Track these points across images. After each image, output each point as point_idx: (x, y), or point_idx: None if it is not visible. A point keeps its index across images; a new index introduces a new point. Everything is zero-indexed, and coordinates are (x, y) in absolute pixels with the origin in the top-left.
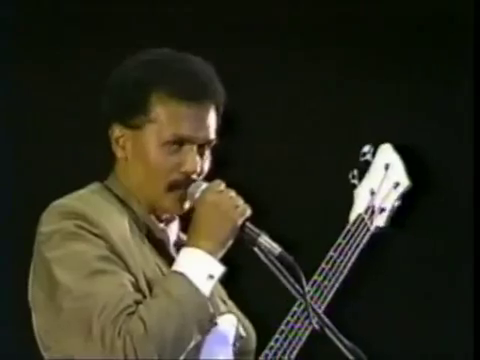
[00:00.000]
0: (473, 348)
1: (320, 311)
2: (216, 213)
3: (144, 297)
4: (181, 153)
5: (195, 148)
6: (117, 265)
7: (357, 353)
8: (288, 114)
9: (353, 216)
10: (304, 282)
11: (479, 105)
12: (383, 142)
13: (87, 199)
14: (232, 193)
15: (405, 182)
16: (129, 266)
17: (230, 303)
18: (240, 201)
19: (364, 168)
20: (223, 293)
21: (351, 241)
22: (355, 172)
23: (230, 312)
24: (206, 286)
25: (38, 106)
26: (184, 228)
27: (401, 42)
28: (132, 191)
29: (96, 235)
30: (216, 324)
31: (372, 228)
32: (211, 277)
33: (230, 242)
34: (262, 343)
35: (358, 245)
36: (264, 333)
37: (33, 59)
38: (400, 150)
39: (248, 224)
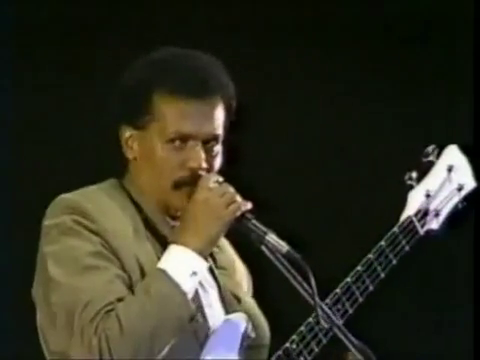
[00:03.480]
0: (473, 348)
1: (328, 310)
2: (204, 211)
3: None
4: (186, 150)
5: (200, 144)
6: (109, 261)
7: (366, 353)
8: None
9: (403, 218)
10: (312, 281)
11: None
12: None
13: (89, 195)
14: (226, 189)
15: (471, 184)
16: (123, 262)
17: (248, 300)
18: (235, 197)
19: (425, 169)
20: (242, 289)
21: (394, 244)
22: (413, 174)
23: (242, 310)
24: (189, 283)
25: (38, 107)
26: None
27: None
28: (143, 189)
29: (91, 231)
30: (197, 321)
31: (422, 231)
32: (194, 274)
33: (218, 239)
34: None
35: (402, 248)
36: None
37: (33, 60)
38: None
39: (255, 222)
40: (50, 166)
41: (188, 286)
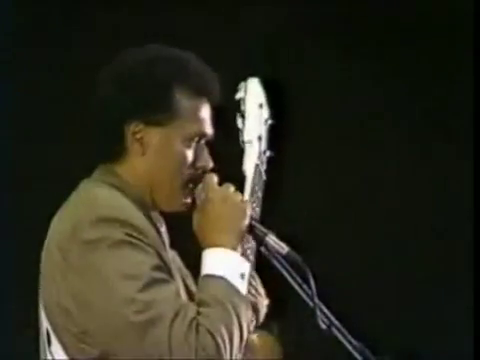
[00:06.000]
0: (473, 348)
1: (328, 311)
2: (226, 208)
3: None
4: (195, 149)
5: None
6: (168, 273)
7: (365, 353)
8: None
9: (249, 167)
10: (312, 282)
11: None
12: None
13: (120, 205)
14: (231, 187)
15: (269, 117)
16: (171, 273)
17: None
18: (240, 195)
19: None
20: None
21: (254, 194)
22: (239, 119)
23: None
24: (242, 286)
25: (38, 106)
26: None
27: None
28: (141, 189)
29: (147, 244)
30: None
31: (264, 177)
32: (242, 276)
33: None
34: None
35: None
36: None
37: (33, 59)
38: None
39: (255, 223)
40: (49, 166)
41: (243, 289)
